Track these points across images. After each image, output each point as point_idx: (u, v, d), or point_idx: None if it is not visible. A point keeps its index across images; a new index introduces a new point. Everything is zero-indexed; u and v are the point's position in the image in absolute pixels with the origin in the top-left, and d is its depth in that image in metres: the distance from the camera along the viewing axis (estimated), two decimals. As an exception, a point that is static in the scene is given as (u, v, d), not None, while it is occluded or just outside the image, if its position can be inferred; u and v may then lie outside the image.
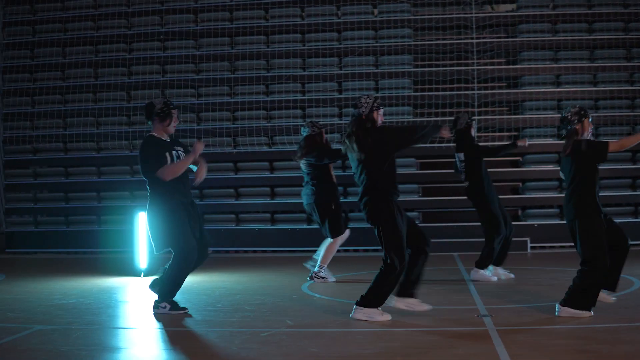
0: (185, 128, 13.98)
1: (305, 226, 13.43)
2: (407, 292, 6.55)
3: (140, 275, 9.97)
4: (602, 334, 5.69)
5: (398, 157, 6.68)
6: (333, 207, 8.99)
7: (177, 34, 14.82)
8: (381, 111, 6.56)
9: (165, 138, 7.07)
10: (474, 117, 9.24)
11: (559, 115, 13.30)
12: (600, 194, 6.46)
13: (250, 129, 14.16)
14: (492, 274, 8.88)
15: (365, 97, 6.57)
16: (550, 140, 13.57)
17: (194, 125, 14.31)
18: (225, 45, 14.77)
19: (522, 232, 12.56)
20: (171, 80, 14.60)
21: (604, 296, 6.50)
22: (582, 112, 6.52)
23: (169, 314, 6.86)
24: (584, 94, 13.74)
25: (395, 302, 6.54)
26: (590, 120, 6.53)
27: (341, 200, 9.40)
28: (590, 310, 6.26)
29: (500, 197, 9.30)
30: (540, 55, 14.11)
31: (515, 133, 13.79)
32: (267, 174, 14.03)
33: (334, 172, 9.23)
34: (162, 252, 6.99)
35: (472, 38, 14.10)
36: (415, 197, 13.53)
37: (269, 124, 14.16)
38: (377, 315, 6.36)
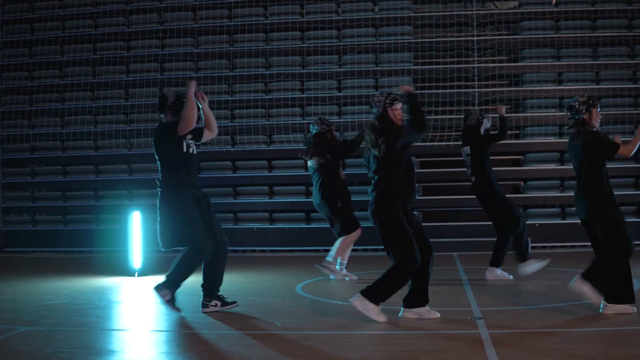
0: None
1: (304, 225, 13.31)
2: (414, 302, 6.41)
3: (134, 275, 9.86)
4: (597, 338, 5.56)
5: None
6: (339, 204, 8.86)
7: (176, 31, 14.72)
8: (397, 105, 6.41)
9: None
10: (485, 115, 9.06)
11: (561, 113, 13.31)
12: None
13: (248, 127, 14.04)
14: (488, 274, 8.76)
15: (379, 95, 6.47)
16: (551, 139, 13.41)
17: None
18: (224, 43, 14.67)
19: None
20: (169, 78, 14.49)
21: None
22: (591, 102, 6.36)
23: (166, 305, 6.78)
24: (586, 92, 13.54)
25: (404, 312, 6.42)
26: (598, 109, 6.38)
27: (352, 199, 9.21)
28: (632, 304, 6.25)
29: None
30: (542, 52, 13.95)
31: (517, 132, 13.63)
32: (265, 173, 13.91)
33: (342, 170, 9.10)
34: (169, 250, 6.88)
35: (473, 35, 13.95)
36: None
37: (268, 122, 14.04)
38: (373, 312, 6.21)
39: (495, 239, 8.92)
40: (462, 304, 7.18)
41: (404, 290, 6.41)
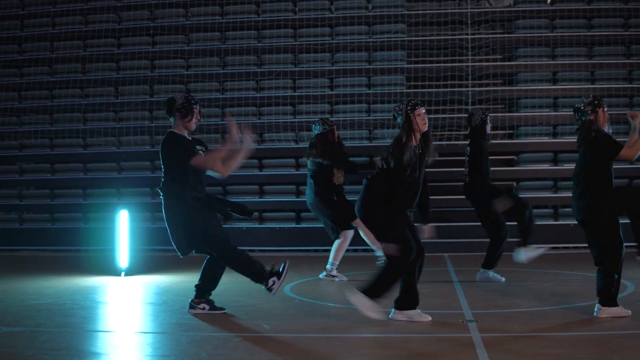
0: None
1: (294, 225, 13.18)
2: (404, 304, 6.28)
3: (120, 275, 9.71)
4: (590, 342, 5.43)
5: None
6: (335, 198, 8.73)
7: (167, 28, 14.59)
8: (420, 110, 6.31)
9: (187, 135, 6.71)
10: (488, 113, 8.94)
11: (556, 113, 13.21)
12: None
13: (239, 126, 13.87)
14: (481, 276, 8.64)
15: (399, 104, 6.38)
16: (545, 139, 13.30)
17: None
18: (215, 40, 14.54)
19: (515, 233, 12.23)
20: (160, 75, 14.35)
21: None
22: (596, 102, 6.21)
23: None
24: (581, 92, 13.46)
25: (394, 314, 6.28)
26: (605, 109, 6.23)
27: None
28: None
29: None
30: (537, 51, 13.88)
31: (510, 131, 13.52)
32: (256, 172, 13.75)
33: (341, 173, 8.93)
34: (188, 255, 6.71)
35: (467, 34, 13.85)
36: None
37: (259, 121, 13.90)
38: (369, 309, 6.07)
39: (487, 240, 8.79)
40: (453, 306, 7.05)
41: (396, 292, 6.28)
